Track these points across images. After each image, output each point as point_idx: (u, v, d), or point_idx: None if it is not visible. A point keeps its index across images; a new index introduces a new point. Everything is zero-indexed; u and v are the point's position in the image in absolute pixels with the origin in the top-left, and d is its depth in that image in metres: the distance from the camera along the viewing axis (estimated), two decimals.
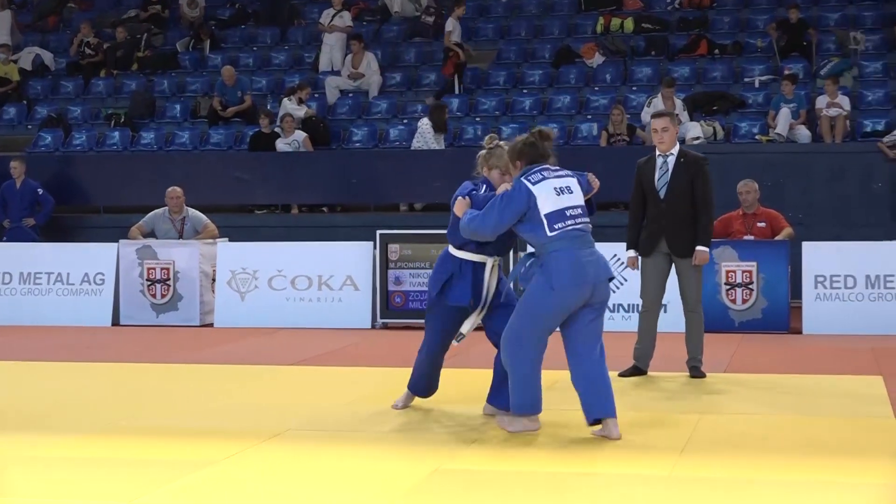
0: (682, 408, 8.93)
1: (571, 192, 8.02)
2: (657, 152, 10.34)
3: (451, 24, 20.34)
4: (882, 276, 13.47)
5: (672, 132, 10.33)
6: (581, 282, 7.77)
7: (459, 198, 8.34)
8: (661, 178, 10.25)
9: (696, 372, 10.28)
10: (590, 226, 8.01)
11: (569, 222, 7.86)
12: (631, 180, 10.51)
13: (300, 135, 18.77)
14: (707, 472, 6.96)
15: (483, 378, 10.06)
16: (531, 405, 7.92)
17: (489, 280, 8.39)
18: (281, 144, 18.73)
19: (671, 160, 10.26)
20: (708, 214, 10.24)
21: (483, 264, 8.38)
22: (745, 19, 21.30)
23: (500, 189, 8.14)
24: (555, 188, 7.96)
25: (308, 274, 14.62)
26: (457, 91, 20.20)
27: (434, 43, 21.67)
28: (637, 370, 10.34)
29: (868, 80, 19.21)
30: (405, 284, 14.19)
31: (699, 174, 10.21)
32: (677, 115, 17.74)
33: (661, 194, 10.23)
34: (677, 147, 10.35)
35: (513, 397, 7.94)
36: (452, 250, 8.47)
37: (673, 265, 10.33)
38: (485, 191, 8.40)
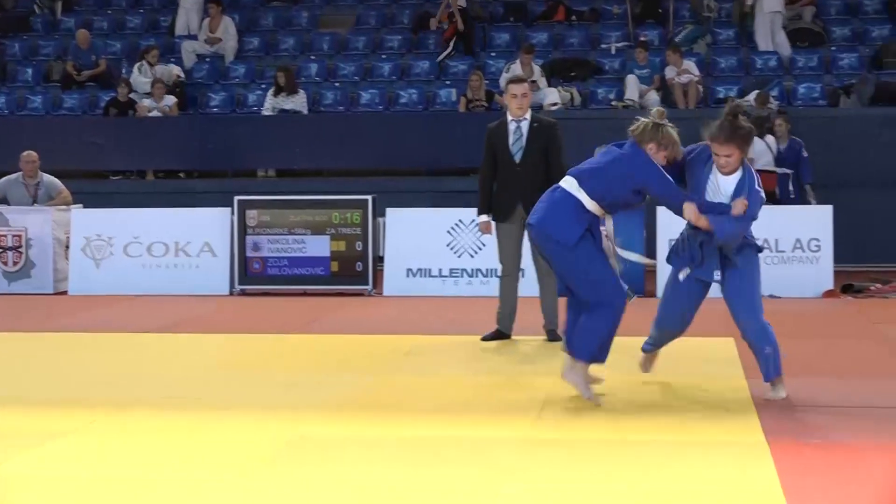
0: (540, 370, 9.00)
1: None
2: (510, 117, 10.32)
3: None
4: None
5: (530, 98, 10.42)
6: None
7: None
8: (516, 143, 10.25)
9: (552, 335, 10.32)
10: None
11: None
12: None
13: (170, 99, 18.50)
14: (563, 434, 7.04)
15: (344, 344, 10.07)
16: None
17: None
18: (151, 106, 18.44)
19: (525, 125, 10.27)
20: (560, 178, 10.19)
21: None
22: None
23: None
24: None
25: (165, 240, 14.43)
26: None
27: (292, 7, 21.50)
28: (500, 334, 10.39)
29: (721, 48, 19.52)
30: (263, 251, 14.09)
31: (553, 139, 10.28)
32: (534, 81, 17.88)
33: (517, 159, 10.24)
34: (529, 112, 10.37)
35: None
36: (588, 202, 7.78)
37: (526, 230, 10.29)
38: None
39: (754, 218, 7.77)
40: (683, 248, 8.01)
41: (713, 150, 7.80)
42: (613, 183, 7.74)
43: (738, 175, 7.85)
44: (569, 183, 7.85)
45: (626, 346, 9.84)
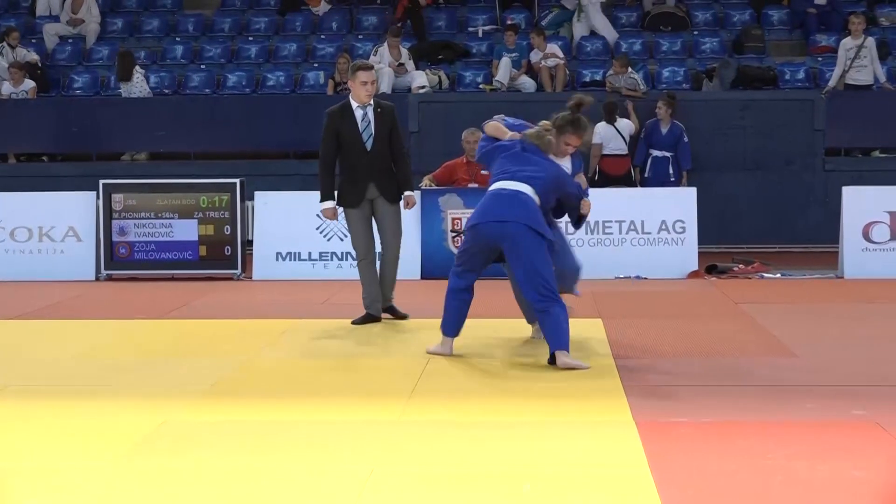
0: (412, 352, 9.03)
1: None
2: (355, 104, 10.35)
3: None
4: (601, 222, 13.89)
5: (375, 85, 10.58)
6: None
7: None
8: (366, 130, 10.34)
9: (394, 312, 10.59)
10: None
11: None
12: None
13: (28, 84, 18.11)
14: (436, 416, 7.08)
15: (211, 329, 10.00)
16: None
17: None
18: (7, 91, 18.04)
19: (371, 112, 10.37)
20: (406, 160, 10.62)
21: None
22: None
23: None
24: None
25: (28, 225, 14.17)
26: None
27: None
28: (370, 317, 10.43)
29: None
30: (130, 235, 13.92)
31: (395, 124, 10.49)
32: (402, 63, 17.90)
33: (368, 147, 10.33)
34: (372, 98, 10.42)
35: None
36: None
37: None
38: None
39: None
40: None
41: (565, 140, 8.88)
42: (549, 194, 8.75)
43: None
44: (528, 189, 8.57)
45: (492, 326, 9.94)
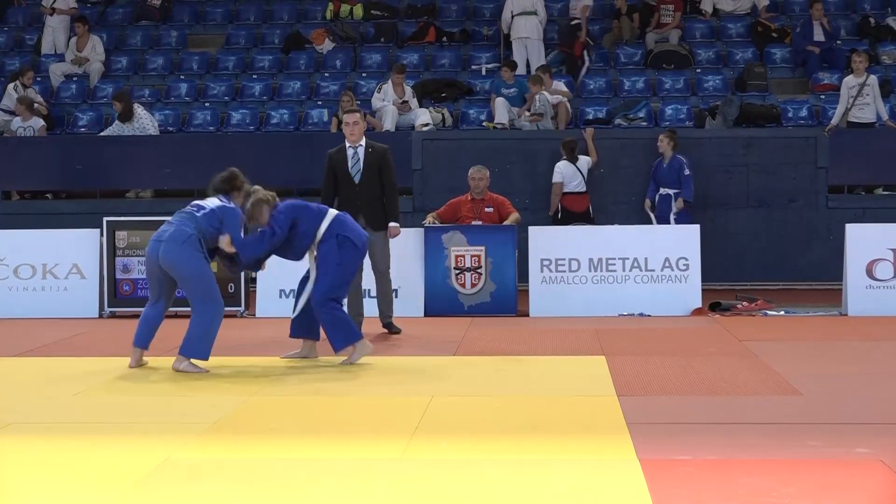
0: (414, 390, 9.03)
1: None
2: (347, 144, 11.93)
3: None
4: (604, 260, 13.90)
5: (361, 126, 12.02)
6: None
7: None
8: (354, 166, 11.90)
9: (392, 328, 12.21)
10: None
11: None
12: None
13: (38, 121, 18.14)
14: (438, 454, 7.06)
15: (214, 366, 9.98)
16: None
17: None
18: (17, 128, 18.09)
19: (361, 150, 11.92)
20: (394, 195, 12.08)
21: None
22: (472, 7, 21.63)
23: None
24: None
25: (32, 262, 14.19)
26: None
27: (161, 26, 21.32)
28: None
29: (590, 69, 19.73)
30: (133, 272, 13.93)
31: (385, 162, 11.96)
32: (406, 101, 17.95)
33: (356, 180, 11.87)
34: (364, 139, 11.97)
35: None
36: None
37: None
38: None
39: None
40: None
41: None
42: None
43: None
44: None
45: (493, 364, 9.93)
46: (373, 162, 11.87)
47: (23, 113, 18.15)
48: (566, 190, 16.23)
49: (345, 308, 10.50)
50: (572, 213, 16.14)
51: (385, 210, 11.98)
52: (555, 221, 15.91)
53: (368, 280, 12.18)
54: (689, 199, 16.05)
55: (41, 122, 18.21)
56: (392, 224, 12.04)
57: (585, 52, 19.54)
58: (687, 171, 16.11)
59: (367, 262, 11.65)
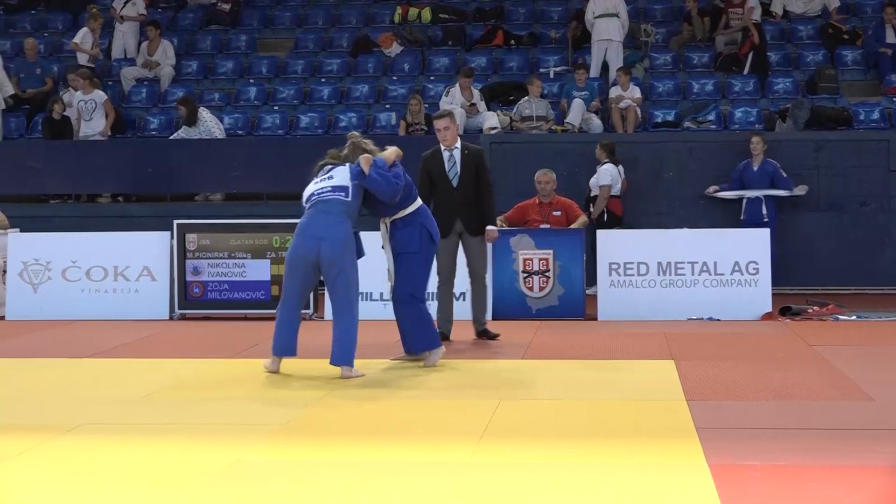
0: (482, 394, 9.03)
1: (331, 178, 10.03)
2: (442, 147, 11.77)
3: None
4: (673, 263, 13.83)
5: (453, 129, 11.80)
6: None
7: None
8: (452, 169, 11.76)
9: (488, 334, 11.99)
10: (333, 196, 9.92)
11: (314, 196, 9.94)
12: None
13: (100, 95, 18.37)
14: (506, 457, 7.06)
15: (284, 368, 10.02)
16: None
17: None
18: (86, 129, 18.30)
19: (457, 153, 11.78)
20: (491, 198, 11.88)
21: None
22: (539, 10, 21.61)
23: None
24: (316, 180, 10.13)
25: (104, 264, 14.33)
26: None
27: (230, 31, 21.48)
28: (441, 335, 11.03)
29: (658, 72, 19.69)
30: (203, 275, 14.04)
31: (482, 164, 11.88)
32: (474, 104, 17.96)
33: (455, 184, 11.73)
34: (459, 141, 11.83)
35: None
36: None
37: (461, 242, 11.69)
38: None
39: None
40: None
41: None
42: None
43: None
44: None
45: (565, 367, 9.91)
46: (469, 164, 11.76)
47: (83, 86, 18.28)
48: (612, 193, 16.06)
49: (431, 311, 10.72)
50: (615, 217, 16.00)
51: (482, 213, 11.83)
52: (602, 226, 15.48)
53: (461, 284, 12.19)
54: (791, 189, 15.98)
55: (104, 96, 18.35)
56: (489, 228, 11.89)
57: None
58: (783, 173, 16.00)
59: (461, 266, 11.90)
